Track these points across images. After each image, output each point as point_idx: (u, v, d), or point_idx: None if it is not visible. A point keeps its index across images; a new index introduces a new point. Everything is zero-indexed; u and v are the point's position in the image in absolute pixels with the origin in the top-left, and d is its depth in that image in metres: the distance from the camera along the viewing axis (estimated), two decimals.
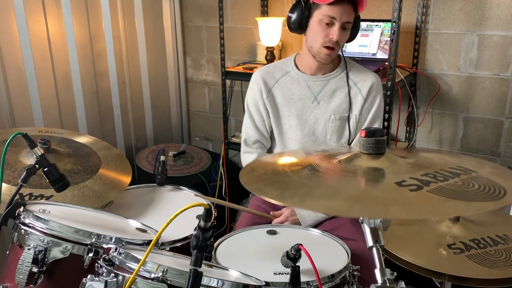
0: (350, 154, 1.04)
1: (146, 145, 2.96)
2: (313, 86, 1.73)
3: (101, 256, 1.14)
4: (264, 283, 1.15)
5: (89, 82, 2.51)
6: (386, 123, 2.02)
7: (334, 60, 1.76)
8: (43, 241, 1.17)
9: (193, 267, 0.90)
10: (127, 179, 1.71)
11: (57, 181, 1.32)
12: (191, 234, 0.93)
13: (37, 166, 1.28)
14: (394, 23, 1.90)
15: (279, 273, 1.24)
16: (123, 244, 1.21)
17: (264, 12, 2.68)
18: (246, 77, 2.39)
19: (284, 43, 2.68)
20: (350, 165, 1.01)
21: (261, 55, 2.62)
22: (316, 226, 1.71)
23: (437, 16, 2.26)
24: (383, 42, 2.25)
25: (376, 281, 0.87)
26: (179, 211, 0.89)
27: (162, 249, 1.39)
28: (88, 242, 1.19)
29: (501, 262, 1.17)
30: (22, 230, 1.20)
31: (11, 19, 2.10)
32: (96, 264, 1.09)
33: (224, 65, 2.45)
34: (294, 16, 1.65)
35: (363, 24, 2.28)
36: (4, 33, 2.08)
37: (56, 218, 1.22)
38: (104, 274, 1.05)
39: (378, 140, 1.01)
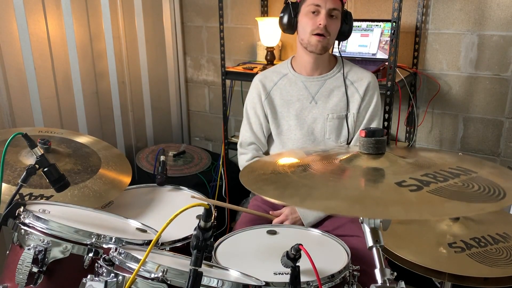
0: (350, 154, 1.04)
1: (146, 145, 2.96)
2: (310, 87, 1.75)
3: (101, 256, 1.14)
4: (264, 283, 1.15)
5: (89, 82, 2.51)
6: (386, 123, 2.02)
7: (331, 60, 1.78)
8: (43, 241, 1.17)
9: (193, 267, 0.90)
10: (127, 179, 1.71)
11: (57, 181, 1.32)
12: (191, 234, 0.93)
13: (37, 166, 1.28)
14: (394, 23, 1.90)
15: (279, 273, 1.24)
16: (123, 244, 1.21)
17: (264, 12, 2.68)
18: (246, 77, 2.39)
19: (284, 43, 2.68)
20: (350, 165, 1.01)
21: (261, 55, 2.62)
22: (317, 225, 1.72)
23: (437, 16, 2.26)
24: (383, 42, 2.25)
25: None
26: (179, 211, 0.89)
27: (162, 249, 1.39)
28: (88, 242, 1.19)
29: (502, 260, 1.17)
30: (22, 230, 1.20)
31: (11, 19, 2.10)
32: (96, 264, 1.09)
33: (224, 65, 2.45)
34: (283, 16, 1.74)
35: (363, 24, 2.28)
36: (4, 33, 2.08)
37: (56, 218, 1.22)
38: (104, 274, 1.05)
39: (378, 140, 1.01)
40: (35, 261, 1.15)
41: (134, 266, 1.02)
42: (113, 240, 1.20)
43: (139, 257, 1.04)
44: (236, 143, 2.52)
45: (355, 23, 1.98)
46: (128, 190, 1.80)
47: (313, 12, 1.65)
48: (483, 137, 2.30)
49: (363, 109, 1.75)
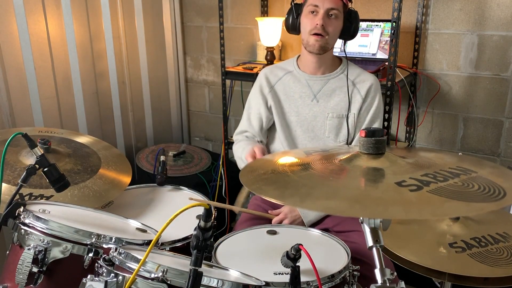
0: (350, 154, 1.04)
1: (146, 145, 2.96)
2: (313, 85, 1.77)
3: (101, 256, 1.14)
4: (264, 283, 1.15)
5: (89, 82, 2.51)
6: (386, 123, 2.02)
7: (334, 61, 1.79)
8: (43, 241, 1.17)
9: (193, 267, 0.90)
10: (127, 179, 1.71)
11: (57, 181, 1.32)
12: (191, 234, 0.93)
13: (37, 166, 1.28)
14: (394, 23, 1.90)
15: (279, 273, 1.24)
16: (123, 244, 1.21)
17: (264, 12, 2.68)
18: (246, 77, 2.39)
19: (284, 43, 2.68)
20: (350, 165, 1.01)
21: (261, 55, 2.62)
22: (317, 223, 1.73)
23: (437, 16, 2.26)
24: (383, 42, 2.25)
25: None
26: (179, 211, 0.89)
27: (162, 249, 1.39)
28: (88, 242, 1.19)
29: (502, 260, 1.17)
30: (22, 230, 1.20)
31: (11, 19, 2.10)
32: (96, 264, 1.09)
33: (224, 65, 2.45)
34: (288, 17, 1.77)
35: (363, 24, 2.28)
36: (4, 33, 2.08)
37: (56, 218, 1.22)
38: (104, 274, 1.05)
39: (378, 140, 1.01)
40: (35, 261, 1.15)
41: (134, 266, 1.02)
42: (113, 240, 1.20)
43: (139, 257, 1.04)
44: None
45: None
46: (128, 190, 1.80)
47: (312, 12, 1.67)
48: (483, 137, 2.30)
49: (364, 110, 1.76)
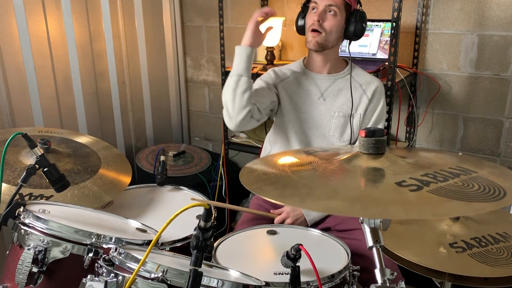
0: (350, 154, 1.04)
1: (146, 145, 2.96)
2: (320, 84, 1.78)
3: (101, 256, 1.14)
4: (264, 283, 1.15)
5: (89, 82, 2.51)
6: (386, 123, 2.02)
7: (341, 62, 1.82)
8: (43, 241, 1.17)
9: (193, 267, 0.90)
10: (127, 179, 1.71)
11: (57, 181, 1.32)
12: (191, 234, 0.93)
13: (37, 166, 1.28)
14: (394, 23, 1.90)
15: (279, 273, 1.24)
16: (123, 244, 1.21)
17: None
18: None
19: (284, 43, 2.67)
20: (350, 165, 1.01)
21: (261, 55, 2.61)
22: (319, 223, 1.74)
23: (437, 16, 2.26)
24: (383, 42, 2.25)
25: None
26: (179, 211, 0.89)
27: (162, 249, 1.39)
28: (88, 242, 1.19)
29: (503, 260, 1.17)
30: (22, 230, 1.20)
31: (11, 19, 2.10)
32: (96, 264, 1.09)
33: (224, 65, 2.44)
34: (297, 19, 1.80)
35: None
36: (4, 33, 2.08)
37: (56, 218, 1.22)
38: (104, 274, 1.05)
39: (378, 140, 1.01)
40: (35, 261, 1.15)
41: (134, 266, 1.02)
42: (113, 240, 1.20)
43: (139, 257, 1.04)
44: (236, 143, 2.53)
45: None
46: (128, 190, 1.80)
47: (313, 10, 1.69)
48: (483, 137, 2.30)
49: (369, 111, 1.77)
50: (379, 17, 2.34)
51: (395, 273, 0.90)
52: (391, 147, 2.06)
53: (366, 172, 0.98)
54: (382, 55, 2.24)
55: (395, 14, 1.88)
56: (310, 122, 1.79)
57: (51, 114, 2.33)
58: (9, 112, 2.13)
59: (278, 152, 1.82)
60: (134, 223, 1.46)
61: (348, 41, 1.77)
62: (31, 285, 1.16)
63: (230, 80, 1.67)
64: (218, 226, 2.52)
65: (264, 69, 2.27)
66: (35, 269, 1.15)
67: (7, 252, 1.26)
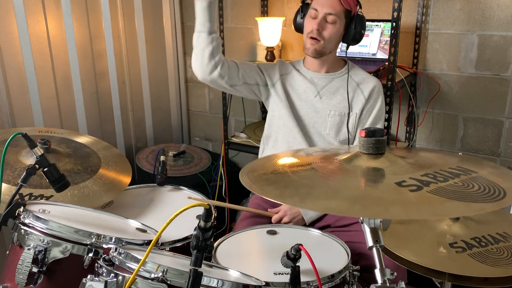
0: (350, 154, 1.04)
1: (146, 145, 2.96)
2: (317, 82, 1.79)
3: (101, 256, 1.14)
4: (264, 283, 1.15)
5: (89, 82, 2.51)
6: (386, 123, 2.02)
7: (338, 62, 1.82)
8: (43, 241, 1.17)
9: (193, 267, 0.90)
10: (127, 179, 1.71)
11: (57, 181, 1.32)
12: (191, 234, 0.93)
13: (37, 166, 1.28)
14: (394, 23, 1.90)
15: (279, 273, 1.24)
16: (123, 244, 1.21)
17: (264, 12, 2.68)
18: None
19: (284, 43, 2.67)
20: (350, 165, 1.01)
21: (261, 55, 2.62)
22: (318, 221, 1.74)
23: (437, 16, 2.26)
24: (383, 42, 2.25)
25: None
26: (179, 211, 0.89)
27: (162, 249, 1.39)
28: (88, 242, 1.19)
29: (503, 260, 1.17)
30: (22, 230, 1.20)
31: (11, 19, 2.10)
32: (96, 264, 1.09)
33: None
34: (295, 17, 1.79)
35: None
36: (4, 33, 2.08)
37: (56, 218, 1.22)
38: (104, 274, 1.05)
39: (378, 140, 1.01)
40: (35, 261, 1.15)
41: (134, 266, 1.02)
42: (113, 240, 1.20)
43: (139, 257, 1.04)
44: (236, 143, 2.53)
45: None
46: (128, 190, 1.80)
47: (312, 17, 1.69)
48: (483, 137, 2.30)
49: (366, 111, 1.77)
50: (379, 17, 2.34)
51: (395, 273, 0.90)
52: (391, 147, 2.06)
53: (366, 172, 0.98)
54: (382, 55, 2.24)
55: (395, 14, 1.88)
56: (305, 120, 1.79)
57: (51, 114, 2.33)
58: (9, 112, 2.13)
59: (271, 150, 1.83)
60: (134, 223, 1.46)
61: (346, 44, 1.77)
62: (31, 285, 1.16)
63: (193, 38, 1.75)
64: (218, 226, 2.52)
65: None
66: (35, 269, 1.15)
67: (7, 252, 1.26)
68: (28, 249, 1.15)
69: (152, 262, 1.01)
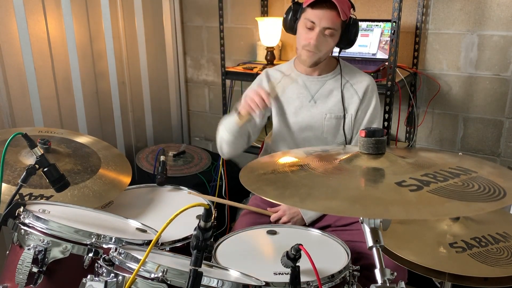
0: (350, 154, 1.04)
1: (146, 145, 2.96)
2: (310, 86, 1.77)
3: (101, 256, 1.14)
4: (264, 283, 1.15)
5: (89, 82, 2.51)
6: (386, 123, 2.02)
7: (331, 63, 1.80)
8: (43, 241, 1.17)
9: (193, 267, 0.90)
10: (127, 179, 1.71)
11: (57, 181, 1.32)
12: (191, 234, 0.93)
13: (37, 166, 1.28)
14: (394, 23, 1.90)
15: (279, 273, 1.24)
16: (123, 244, 1.21)
17: (264, 12, 2.68)
18: (246, 77, 2.39)
19: (284, 43, 2.67)
20: (350, 165, 1.01)
21: (261, 55, 2.62)
22: (318, 221, 1.74)
23: (437, 16, 2.26)
24: (383, 42, 2.25)
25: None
26: (179, 211, 0.89)
27: (162, 249, 1.39)
28: (88, 242, 1.19)
29: (503, 260, 1.17)
30: (22, 230, 1.20)
31: (11, 19, 2.10)
32: (96, 264, 1.09)
33: (224, 65, 2.44)
34: (286, 17, 1.73)
35: (363, 24, 2.27)
36: (4, 33, 2.08)
37: (56, 218, 1.22)
38: (104, 274, 1.05)
39: (378, 140, 1.01)
40: (35, 261, 1.15)
41: (134, 266, 1.02)
42: (113, 240, 1.20)
43: (139, 257, 1.04)
44: None
45: None
46: (128, 190, 1.80)
47: (308, 28, 1.63)
48: (483, 137, 2.30)
49: (362, 111, 1.75)
50: (379, 17, 2.34)
51: (395, 273, 0.90)
52: (391, 147, 2.06)
53: (366, 172, 0.98)
54: (382, 55, 2.24)
55: (395, 14, 1.88)
56: (302, 125, 1.78)
57: (51, 114, 2.33)
58: (9, 112, 2.14)
59: (278, 152, 1.83)
60: (134, 223, 1.46)
61: (339, 48, 1.75)
62: (31, 285, 1.16)
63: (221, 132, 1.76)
64: (218, 226, 2.52)
65: (264, 69, 2.27)
66: (35, 269, 1.15)
67: (7, 252, 1.26)
68: (28, 249, 1.15)
69: (152, 262, 1.01)
